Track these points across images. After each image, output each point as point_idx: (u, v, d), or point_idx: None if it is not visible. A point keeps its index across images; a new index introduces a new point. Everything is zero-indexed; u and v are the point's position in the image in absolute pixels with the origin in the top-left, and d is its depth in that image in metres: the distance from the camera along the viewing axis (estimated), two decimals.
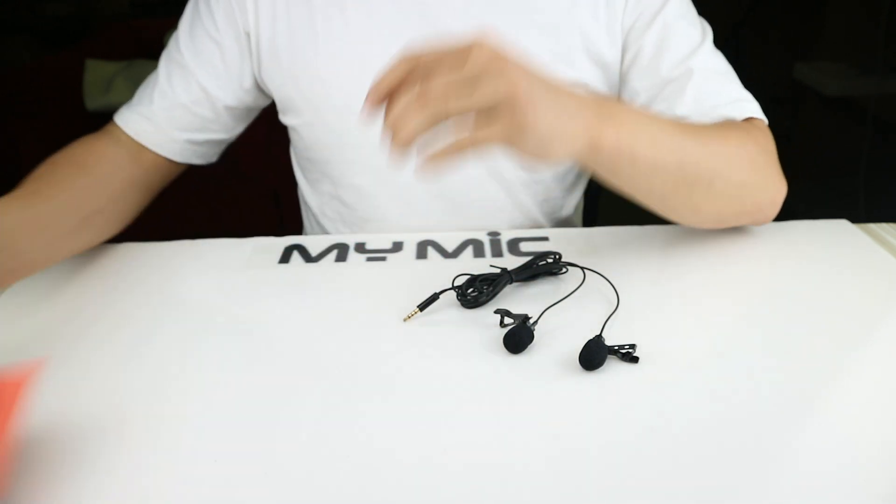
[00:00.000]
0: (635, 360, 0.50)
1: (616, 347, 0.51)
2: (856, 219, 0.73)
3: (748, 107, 0.69)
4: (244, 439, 0.45)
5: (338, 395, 0.49)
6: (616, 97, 0.56)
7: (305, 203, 0.89)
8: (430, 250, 0.70)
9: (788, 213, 0.70)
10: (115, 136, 0.75)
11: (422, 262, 0.68)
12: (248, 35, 0.75)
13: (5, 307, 0.62)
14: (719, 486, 0.40)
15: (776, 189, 0.67)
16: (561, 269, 0.62)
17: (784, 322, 0.56)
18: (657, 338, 0.54)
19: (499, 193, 0.79)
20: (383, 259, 0.68)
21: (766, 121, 0.70)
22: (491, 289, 0.58)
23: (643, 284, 0.61)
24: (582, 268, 0.61)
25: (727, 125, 0.66)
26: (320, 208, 0.85)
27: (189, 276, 0.65)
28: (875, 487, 0.40)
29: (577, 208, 0.88)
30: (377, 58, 0.73)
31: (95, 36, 2.27)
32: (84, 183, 0.67)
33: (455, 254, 0.69)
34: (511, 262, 0.66)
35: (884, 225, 0.72)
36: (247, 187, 1.84)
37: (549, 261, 0.62)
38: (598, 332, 0.52)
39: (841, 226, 0.72)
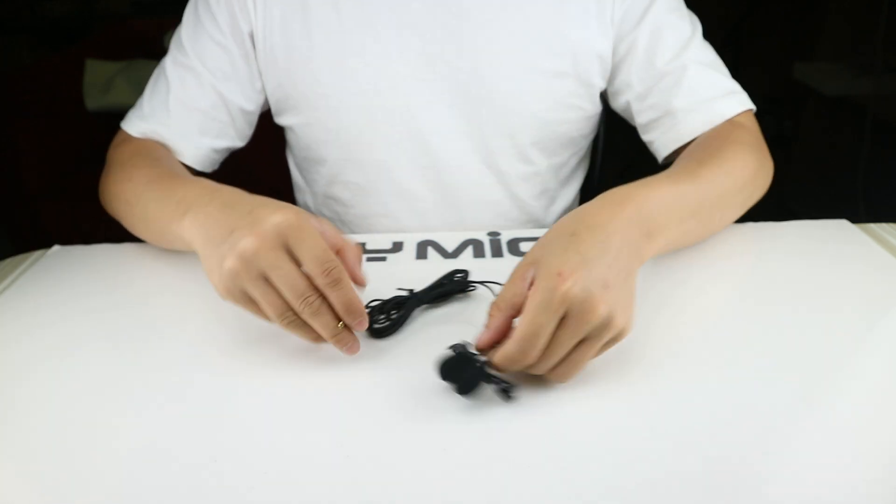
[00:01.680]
0: (509, 397, 0.45)
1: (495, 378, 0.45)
2: (856, 219, 0.73)
3: (739, 98, 0.72)
4: (243, 438, 0.45)
5: (338, 394, 0.49)
6: (637, 184, 0.55)
7: (303, 205, 0.89)
8: (430, 250, 0.70)
9: (788, 213, 0.71)
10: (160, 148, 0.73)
11: (422, 262, 0.68)
12: (251, 35, 0.74)
13: (7, 306, 0.62)
14: (719, 485, 0.40)
15: (769, 174, 0.70)
16: (468, 287, 0.58)
17: (784, 322, 0.56)
18: (655, 338, 0.54)
19: (495, 187, 0.79)
20: (383, 259, 0.68)
21: (754, 108, 0.73)
22: (398, 313, 0.53)
23: (642, 284, 0.61)
24: (489, 283, 0.59)
25: (726, 145, 0.66)
26: (317, 209, 0.86)
27: (190, 276, 0.65)
28: (875, 487, 0.40)
29: (573, 202, 0.88)
30: (373, 56, 0.74)
31: (95, 36, 2.27)
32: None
33: (455, 254, 0.69)
34: (511, 262, 0.66)
35: (884, 225, 0.72)
36: (247, 187, 1.84)
37: (457, 278, 0.58)
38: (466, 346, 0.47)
39: (841, 226, 0.72)
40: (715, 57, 0.75)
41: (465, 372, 0.44)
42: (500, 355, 0.45)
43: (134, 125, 0.74)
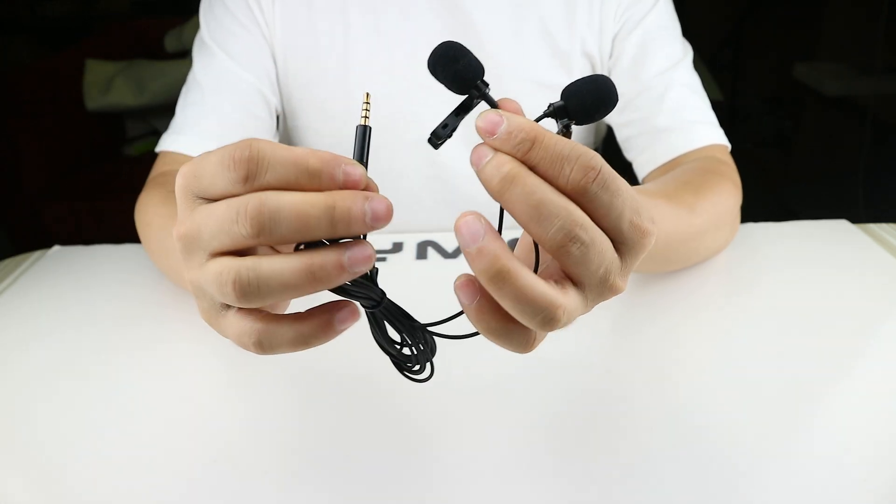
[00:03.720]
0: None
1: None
2: (856, 219, 0.73)
3: (719, 131, 0.71)
4: (243, 437, 0.45)
5: (337, 393, 0.49)
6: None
7: None
8: (430, 250, 0.70)
9: (788, 213, 0.71)
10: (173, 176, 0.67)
11: (422, 262, 0.68)
12: (266, 26, 0.73)
13: (7, 306, 0.62)
14: (719, 485, 0.40)
15: (738, 214, 0.67)
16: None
17: (784, 322, 0.56)
18: (656, 339, 0.54)
19: None
20: (383, 259, 0.68)
21: (729, 146, 0.71)
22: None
23: (642, 285, 0.62)
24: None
25: (720, 183, 0.63)
26: None
27: None
28: (875, 486, 0.40)
29: None
30: (380, 64, 0.73)
31: (95, 36, 2.27)
32: None
33: (455, 254, 0.69)
34: None
35: (884, 225, 0.72)
36: None
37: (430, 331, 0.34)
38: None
39: (841, 226, 0.72)
40: (700, 86, 0.74)
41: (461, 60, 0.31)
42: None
43: (168, 144, 0.69)
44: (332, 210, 0.27)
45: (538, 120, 0.30)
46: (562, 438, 0.44)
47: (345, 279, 0.28)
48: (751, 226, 0.72)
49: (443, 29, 0.72)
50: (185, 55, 2.12)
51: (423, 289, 0.59)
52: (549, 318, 0.28)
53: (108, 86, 2.00)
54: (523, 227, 0.28)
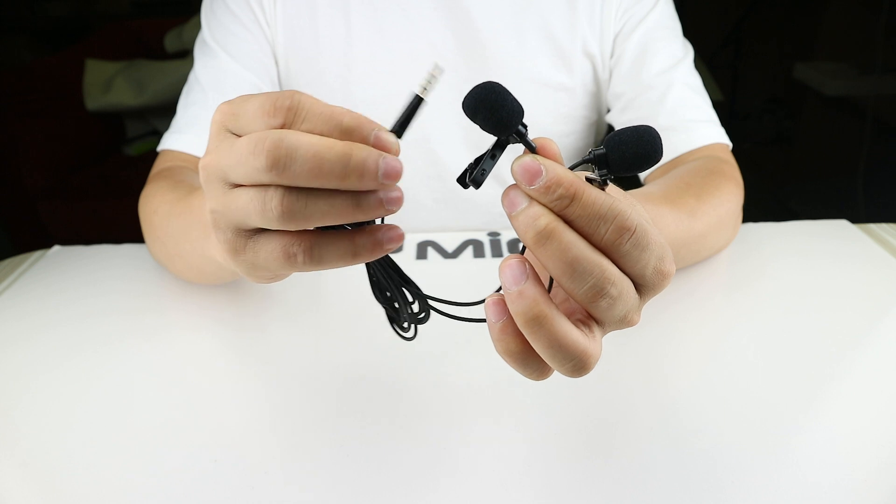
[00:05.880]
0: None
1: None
2: (856, 219, 0.73)
3: (720, 130, 0.71)
4: (243, 438, 0.45)
5: (339, 389, 0.49)
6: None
7: None
8: (430, 250, 0.70)
9: (788, 213, 0.70)
10: (185, 169, 0.66)
11: (422, 262, 0.68)
12: (268, 26, 0.73)
13: (7, 306, 0.62)
14: (720, 485, 0.40)
15: (739, 213, 0.66)
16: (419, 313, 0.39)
17: (784, 321, 0.56)
18: (657, 338, 0.54)
19: (498, 192, 0.79)
20: None
21: (730, 145, 0.71)
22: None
23: None
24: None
25: (722, 183, 0.63)
26: None
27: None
28: (874, 486, 0.40)
29: None
30: (382, 64, 0.73)
31: (95, 36, 2.27)
32: None
33: (455, 254, 0.69)
34: None
35: (884, 225, 0.72)
36: None
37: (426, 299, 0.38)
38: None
39: (841, 226, 0.72)
40: (701, 86, 0.73)
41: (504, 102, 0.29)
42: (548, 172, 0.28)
43: (170, 143, 0.69)
44: (349, 158, 0.27)
45: (576, 166, 0.30)
46: (560, 437, 0.44)
47: (379, 255, 0.30)
48: (751, 226, 0.72)
49: (444, 28, 0.72)
50: (185, 55, 2.12)
51: (423, 289, 0.59)
52: (580, 366, 0.29)
53: (108, 86, 2.00)
54: (554, 279, 0.29)
